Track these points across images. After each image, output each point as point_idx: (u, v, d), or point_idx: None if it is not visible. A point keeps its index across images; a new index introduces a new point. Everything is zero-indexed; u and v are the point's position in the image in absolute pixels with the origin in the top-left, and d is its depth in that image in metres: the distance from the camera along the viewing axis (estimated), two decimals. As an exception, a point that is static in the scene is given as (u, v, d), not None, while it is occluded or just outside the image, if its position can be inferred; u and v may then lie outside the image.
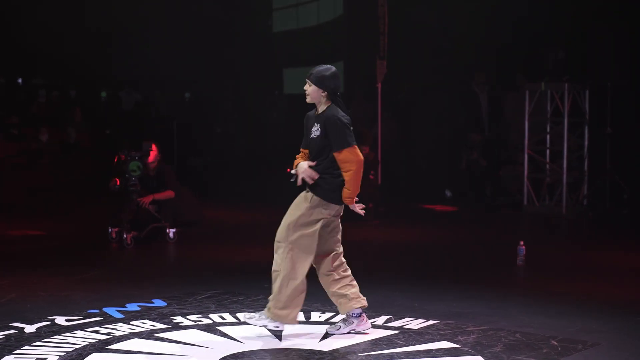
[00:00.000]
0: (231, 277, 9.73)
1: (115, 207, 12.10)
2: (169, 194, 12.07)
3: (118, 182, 11.81)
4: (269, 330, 7.13)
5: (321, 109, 6.97)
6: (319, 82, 6.91)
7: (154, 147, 12.04)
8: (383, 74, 15.42)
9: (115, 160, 12.04)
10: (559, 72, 15.45)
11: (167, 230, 12.00)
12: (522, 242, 10.38)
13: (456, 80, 17.65)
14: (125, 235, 11.64)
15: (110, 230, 11.90)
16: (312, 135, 6.95)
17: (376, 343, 6.87)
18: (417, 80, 18.07)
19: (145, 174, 11.84)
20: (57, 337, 7.05)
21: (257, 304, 8.23)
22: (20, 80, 22.68)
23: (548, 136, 15.65)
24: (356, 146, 6.86)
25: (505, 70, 17.21)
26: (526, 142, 15.42)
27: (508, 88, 17.04)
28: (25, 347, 6.74)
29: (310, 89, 6.95)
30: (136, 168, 11.68)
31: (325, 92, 6.90)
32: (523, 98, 15.48)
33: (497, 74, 17.60)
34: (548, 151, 15.70)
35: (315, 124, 6.93)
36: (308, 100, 7.01)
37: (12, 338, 7.01)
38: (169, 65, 19.66)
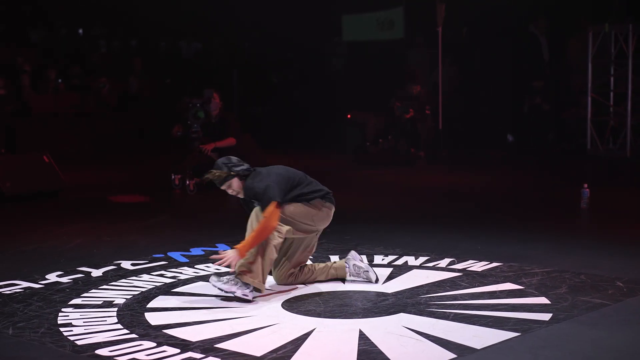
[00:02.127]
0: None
1: (178, 154, 12.18)
2: (230, 141, 12.09)
3: (180, 130, 11.87)
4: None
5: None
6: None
7: (215, 95, 12.05)
8: (443, 17, 15.24)
9: (177, 108, 12.11)
10: (623, 13, 15.17)
11: (229, 177, 12.04)
12: (585, 185, 10.26)
13: (518, 23, 17.39)
14: (188, 182, 11.73)
15: (173, 177, 12.00)
16: None
17: (440, 285, 6.85)
18: (478, 24, 17.84)
19: (207, 121, 11.89)
20: (123, 280, 7.15)
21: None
22: (80, 31, 22.82)
23: (612, 78, 15.42)
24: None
25: (567, 13, 16.93)
26: (589, 85, 15.22)
27: (569, 30, 16.77)
28: (93, 290, 6.84)
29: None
30: (198, 115, 11.73)
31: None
32: (586, 40, 15.26)
33: (559, 16, 17.32)
34: (612, 94, 15.48)
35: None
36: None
37: (79, 282, 7.12)
38: (228, 14, 19.61)
